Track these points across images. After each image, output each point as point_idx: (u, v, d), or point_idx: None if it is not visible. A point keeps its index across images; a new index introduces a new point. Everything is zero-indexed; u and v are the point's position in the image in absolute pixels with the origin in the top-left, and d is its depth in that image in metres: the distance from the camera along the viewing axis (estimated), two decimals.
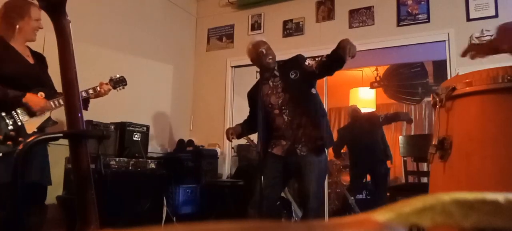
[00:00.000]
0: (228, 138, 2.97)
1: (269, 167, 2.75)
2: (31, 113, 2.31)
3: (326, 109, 3.45)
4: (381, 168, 5.18)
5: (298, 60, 2.86)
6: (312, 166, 2.69)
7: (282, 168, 2.77)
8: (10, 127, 2.23)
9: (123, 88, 2.91)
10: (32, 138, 0.94)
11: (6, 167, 2.05)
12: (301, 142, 2.72)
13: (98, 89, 2.63)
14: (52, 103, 2.39)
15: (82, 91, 2.54)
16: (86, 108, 2.69)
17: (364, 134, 5.26)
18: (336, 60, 2.53)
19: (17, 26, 2.33)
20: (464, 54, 1.31)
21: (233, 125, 3.28)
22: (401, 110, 6.08)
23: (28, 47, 2.47)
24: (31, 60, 2.44)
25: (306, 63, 2.80)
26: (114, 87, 2.82)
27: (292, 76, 2.77)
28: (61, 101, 2.36)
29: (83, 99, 2.55)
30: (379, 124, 5.36)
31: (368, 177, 5.49)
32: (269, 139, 2.82)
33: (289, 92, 2.77)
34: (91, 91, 2.60)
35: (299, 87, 2.78)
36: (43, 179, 2.41)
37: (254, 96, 2.91)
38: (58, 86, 2.35)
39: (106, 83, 2.73)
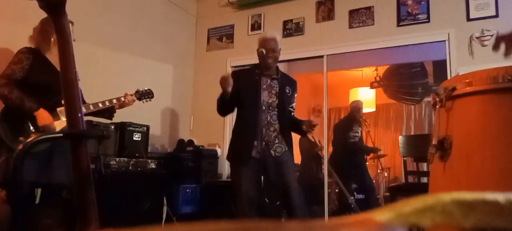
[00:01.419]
0: (224, 82, 2.78)
1: (246, 168, 2.77)
2: (36, 127, 2.37)
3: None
4: (364, 173, 5.24)
5: (294, 85, 3.08)
6: (289, 164, 2.85)
7: (257, 168, 2.78)
8: (32, 129, 2.35)
9: (150, 100, 2.98)
10: (32, 137, 0.95)
11: (28, 166, 2.18)
12: (275, 143, 2.85)
13: (122, 99, 2.70)
14: (60, 119, 2.46)
15: (105, 100, 2.62)
16: (110, 118, 2.79)
17: (352, 135, 5.28)
18: (294, 129, 2.99)
19: (52, 39, 2.49)
20: (496, 48, 1.28)
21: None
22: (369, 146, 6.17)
23: None
24: None
25: (295, 95, 3.06)
26: (139, 99, 2.90)
27: (286, 91, 2.97)
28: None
29: (107, 109, 2.63)
30: (358, 146, 5.36)
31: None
32: (244, 136, 2.84)
33: (280, 99, 2.92)
34: (115, 101, 2.67)
35: (287, 102, 2.97)
36: (68, 178, 2.48)
37: (251, 81, 2.78)
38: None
39: (131, 94, 2.80)
